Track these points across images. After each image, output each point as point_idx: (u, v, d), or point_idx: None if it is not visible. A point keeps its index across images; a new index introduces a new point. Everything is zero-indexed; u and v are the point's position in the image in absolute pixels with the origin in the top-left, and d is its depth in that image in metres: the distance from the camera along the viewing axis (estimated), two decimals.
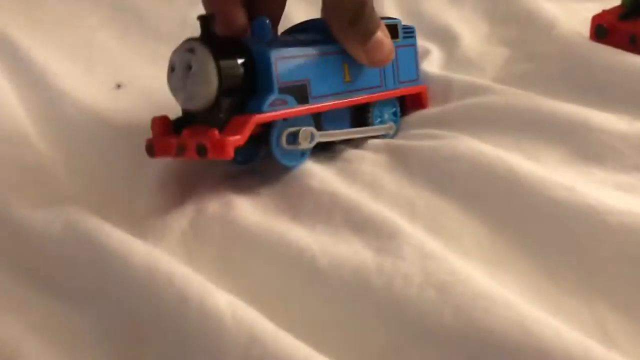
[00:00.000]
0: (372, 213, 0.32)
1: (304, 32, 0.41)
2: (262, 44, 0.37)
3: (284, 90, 0.37)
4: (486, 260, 0.31)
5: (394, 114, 0.44)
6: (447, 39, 0.56)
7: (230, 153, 0.33)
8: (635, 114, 0.40)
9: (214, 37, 0.35)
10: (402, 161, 0.39)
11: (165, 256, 0.28)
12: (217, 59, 0.34)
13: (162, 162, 0.39)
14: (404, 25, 0.44)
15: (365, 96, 0.42)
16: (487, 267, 0.31)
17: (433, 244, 0.30)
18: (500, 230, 0.33)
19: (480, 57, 0.52)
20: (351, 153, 0.40)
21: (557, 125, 0.40)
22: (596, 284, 0.29)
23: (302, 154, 0.38)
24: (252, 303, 0.28)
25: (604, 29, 0.48)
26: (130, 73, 0.52)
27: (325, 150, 0.41)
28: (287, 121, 0.37)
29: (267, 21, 0.38)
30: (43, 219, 0.31)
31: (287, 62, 0.37)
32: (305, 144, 0.38)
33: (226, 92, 0.35)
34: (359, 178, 0.37)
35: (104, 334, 0.27)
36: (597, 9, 0.50)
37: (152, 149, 0.36)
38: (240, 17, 0.39)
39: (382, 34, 0.39)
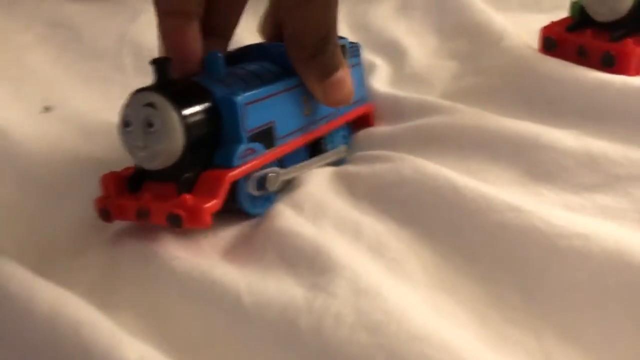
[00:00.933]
0: (307, 245, 0.30)
1: (254, 60, 0.38)
2: (221, 84, 0.33)
3: (251, 138, 0.33)
4: (431, 286, 0.30)
5: (344, 136, 0.43)
6: (395, 53, 0.54)
7: (208, 222, 0.30)
8: (583, 129, 0.39)
9: (172, 85, 0.32)
10: (347, 187, 0.37)
11: (74, 301, 0.25)
12: (180, 112, 0.31)
13: (85, 193, 0.36)
14: (350, 43, 0.42)
15: (323, 126, 0.39)
16: (432, 293, 0.29)
17: (370, 276, 0.28)
18: (445, 254, 0.31)
19: (428, 72, 0.51)
20: (296, 182, 0.37)
21: (506, 144, 0.38)
22: (544, 313, 0.28)
23: (267, 199, 0.36)
24: (172, 347, 0.25)
25: (552, 41, 0.47)
26: (62, 94, 0.50)
27: None
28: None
29: (220, 55, 0.35)
30: None
31: (253, 106, 0.34)
32: (273, 188, 0.35)
33: (192, 147, 0.31)
34: (303, 207, 0.34)
35: None
36: (546, 20, 0.49)
37: (107, 213, 0.32)
38: (198, 52, 0.36)
39: (343, 73, 0.36)
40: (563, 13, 0.49)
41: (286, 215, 0.33)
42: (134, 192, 0.32)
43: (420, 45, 0.55)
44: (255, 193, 0.34)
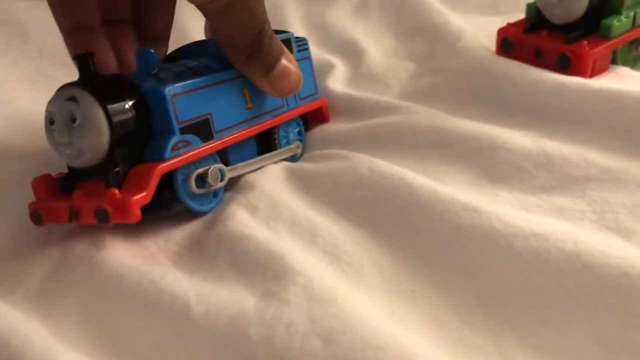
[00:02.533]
0: (260, 250, 0.29)
1: (194, 57, 0.36)
2: (152, 79, 0.32)
3: (185, 129, 0.32)
4: (387, 290, 0.29)
5: (299, 132, 0.42)
6: (353, 53, 0.53)
7: (137, 215, 0.29)
8: (540, 130, 0.39)
9: (96, 79, 0.31)
10: (303, 186, 0.36)
11: (6, 313, 0.24)
12: (104, 105, 0.29)
13: (27, 195, 0.34)
14: (296, 38, 0.41)
15: (269, 120, 0.38)
16: (388, 298, 0.28)
17: (324, 282, 0.27)
18: (402, 257, 0.30)
19: (386, 72, 0.50)
20: (250, 181, 0.36)
21: (463, 145, 0.38)
22: (502, 316, 0.27)
23: (215, 195, 0.34)
24: (118, 358, 0.24)
25: (509, 43, 0.47)
26: (6, 93, 0.47)
27: None
28: (192, 162, 0.33)
29: (152, 51, 0.33)
30: None
31: (185, 97, 0.32)
32: (216, 184, 0.34)
33: (119, 142, 0.30)
34: (257, 207, 0.33)
35: None
36: (503, 22, 0.49)
37: (38, 216, 0.31)
38: (112, 62, 0.35)
39: (286, 62, 0.36)
40: (520, 15, 0.49)
41: (239, 218, 0.32)
42: (66, 193, 0.31)
43: (377, 46, 0.54)
44: (197, 191, 0.33)
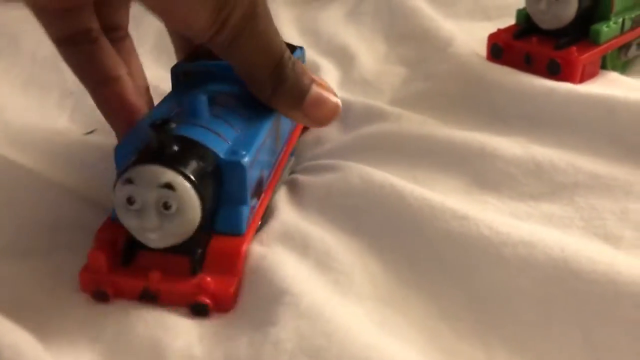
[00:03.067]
0: (253, 279, 0.29)
1: (218, 80, 0.34)
2: (219, 139, 0.30)
3: (252, 194, 0.31)
4: (378, 299, 0.29)
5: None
6: (344, 58, 0.54)
7: (233, 306, 0.28)
8: (529, 136, 0.39)
9: (183, 158, 0.28)
10: (296, 197, 0.36)
11: (15, 329, 0.24)
12: (199, 192, 0.27)
13: (19, 203, 0.34)
14: (291, 45, 0.41)
15: (286, 147, 0.38)
16: (379, 307, 0.28)
17: (313, 297, 0.27)
18: (392, 265, 0.30)
19: (377, 77, 0.51)
20: None
21: (453, 152, 0.38)
22: (491, 323, 0.27)
23: None
24: None
25: (499, 48, 0.47)
26: None
27: None
28: None
29: (204, 98, 0.31)
30: None
31: (253, 164, 0.30)
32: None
33: (205, 220, 0.28)
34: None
35: None
36: (493, 27, 0.49)
37: (104, 294, 0.28)
38: (109, 69, 0.34)
39: (318, 89, 0.32)
40: (510, 20, 0.49)
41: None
42: (128, 264, 0.29)
43: (369, 51, 0.54)
44: None
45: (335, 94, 0.33)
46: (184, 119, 0.30)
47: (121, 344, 0.26)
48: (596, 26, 0.45)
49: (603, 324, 0.26)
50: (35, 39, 0.54)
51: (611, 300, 0.26)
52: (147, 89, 0.37)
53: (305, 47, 0.43)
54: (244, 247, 0.29)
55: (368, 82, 0.50)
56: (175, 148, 0.28)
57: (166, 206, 0.27)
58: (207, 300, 0.27)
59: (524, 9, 0.47)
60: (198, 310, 0.28)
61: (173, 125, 0.27)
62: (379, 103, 0.45)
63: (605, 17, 0.45)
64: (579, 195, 0.34)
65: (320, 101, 0.32)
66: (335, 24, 0.60)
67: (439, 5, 0.59)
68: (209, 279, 0.28)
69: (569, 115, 0.40)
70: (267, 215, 0.34)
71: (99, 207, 0.35)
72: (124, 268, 0.29)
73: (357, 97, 0.46)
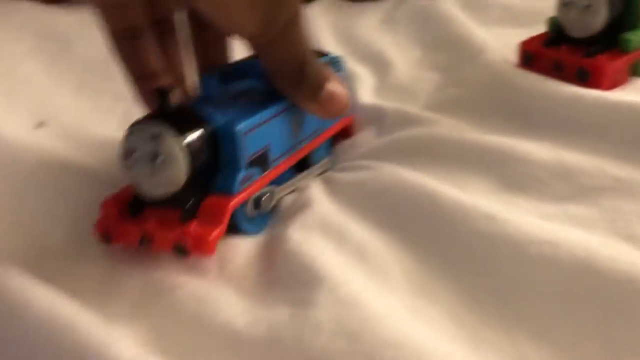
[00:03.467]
0: (295, 259, 0.31)
1: (246, 76, 0.38)
2: (221, 112, 0.34)
3: (249, 164, 0.34)
4: (410, 290, 0.31)
5: (326, 148, 0.44)
6: (379, 64, 0.56)
7: (213, 251, 0.31)
8: (557, 141, 0.40)
9: (174, 115, 0.32)
10: (332, 194, 0.38)
11: (70, 304, 0.27)
12: (184, 143, 0.31)
13: (79, 203, 0.37)
14: (332, 57, 0.44)
15: (311, 143, 0.41)
16: (411, 296, 0.31)
17: (350, 286, 0.29)
18: (424, 260, 0.33)
19: (412, 83, 0.53)
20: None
21: (483, 156, 0.40)
22: (516, 315, 0.29)
23: (266, 216, 0.37)
24: (161, 356, 0.26)
25: (530, 56, 0.49)
26: (53, 106, 0.51)
27: None
28: None
29: (214, 77, 0.36)
30: None
31: (251, 134, 0.34)
32: (269, 206, 0.36)
33: (194, 175, 0.32)
34: (293, 212, 0.36)
35: None
36: (525, 34, 0.51)
37: (108, 237, 0.33)
38: (155, 64, 0.38)
39: (332, 85, 0.37)
40: (540, 27, 0.51)
41: (277, 228, 0.34)
42: (135, 216, 0.33)
43: (404, 57, 0.56)
44: (252, 214, 0.35)
45: (345, 89, 0.38)
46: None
47: (167, 321, 0.29)
48: (625, 35, 0.46)
49: (623, 321, 0.27)
50: (86, 43, 0.58)
51: (632, 299, 0.28)
52: (185, 81, 0.41)
53: (341, 53, 0.45)
54: (232, 203, 0.32)
55: (402, 87, 0.52)
56: (173, 111, 0.32)
57: (154, 156, 0.31)
58: (187, 242, 0.31)
59: (555, 16, 0.49)
60: (179, 251, 0.31)
61: (171, 90, 0.32)
62: (414, 108, 0.47)
63: (634, 26, 0.47)
64: (604, 198, 0.36)
65: (334, 95, 0.37)
66: (371, 30, 0.62)
67: (472, 12, 0.61)
68: (193, 225, 0.31)
69: (597, 121, 0.42)
70: (300, 204, 0.37)
71: None
72: (130, 218, 0.33)
73: (392, 103, 0.48)
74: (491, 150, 0.40)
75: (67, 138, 0.45)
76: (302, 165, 0.41)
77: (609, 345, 0.27)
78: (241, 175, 0.33)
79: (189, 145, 0.32)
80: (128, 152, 0.32)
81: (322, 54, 0.43)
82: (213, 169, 0.34)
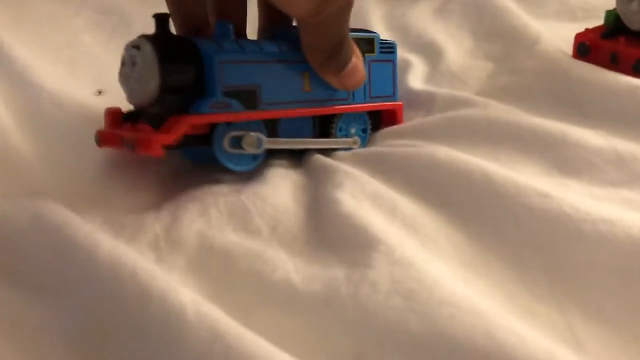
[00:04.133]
0: (348, 224, 0.32)
1: (272, 40, 0.40)
2: (212, 45, 0.37)
3: (228, 93, 0.36)
4: (461, 262, 0.31)
5: (363, 130, 0.44)
6: (432, 53, 0.56)
7: (158, 151, 0.33)
8: (611, 130, 0.40)
9: (166, 36, 0.35)
10: (380, 167, 0.39)
11: (131, 252, 0.27)
12: (160, 57, 0.34)
13: (141, 163, 0.38)
14: (384, 40, 0.44)
15: (329, 108, 0.41)
16: (462, 269, 0.31)
17: (404, 249, 0.29)
18: (475, 234, 0.33)
19: (463, 71, 0.53)
20: (333, 164, 0.39)
21: (536, 138, 0.40)
22: (568, 290, 0.29)
23: (254, 159, 0.38)
24: (225, 309, 0.27)
25: (586, 47, 0.48)
26: (112, 78, 0.52)
27: (300, 158, 0.41)
28: (231, 125, 0.37)
29: (230, 25, 0.38)
30: (11, 209, 0.30)
31: (233, 66, 0.37)
32: (251, 149, 0.37)
33: (168, 91, 0.35)
34: (343, 184, 0.36)
35: (65, 328, 0.26)
36: (580, 29, 0.50)
37: (98, 140, 0.37)
38: (200, 12, 0.40)
39: (355, 61, 0.40)
40: (596, 22, 0.50)
41: (328, 196, 0.35)
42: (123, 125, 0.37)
43: (456, 46, 0.57)
44: (229, 150, 0.37)
45: (363, 67, 0.41)
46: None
47: (223, 277, 0.30)
48: None
49: None
50: (145, 19, 0.59)
51: None
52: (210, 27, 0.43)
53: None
54: (191, 117, 0.35)
55: (454, 75, 0.52)
56: (166, 34, 0.35)
57: (133, 63, 0.35)
58: (136, 139, 0.34)
59: (613, 9, 0.48)
60: (129, 146, 0.34)
61: (169, 16, 0.36)
62: (466, 93, 0.47)
63: None
64: None
65: (354, 71, 0.40)
66: (424, 21, 0.62)
67: (527, 5, 0.61)
68: (147, 128, 0.35)
69: None
70: (342, 173, 0.37)
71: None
72: (122, 128, 0.37)
73: (442, 89, 0.49)
74: (544, 133, 0.40)
75: (125, 106, 0.46)
76: (324, 134, 0.42)
77: None
78: (213, 99, 0.35)
79: (165, 60, 0.34)
80: (122, 62, 0.36)
81: (369, 32, 0.44)
82: (196, 96, 0.36)
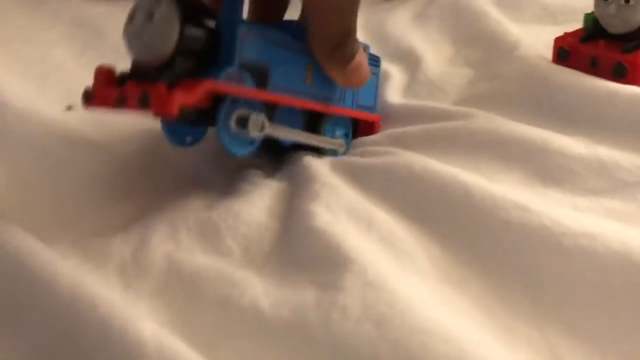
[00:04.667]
0: (321, 241, 0.31)
1: (278, 29, 0.39)
2: (232, 15, 0.35)
3: (244, 66, 0.34)
4: (438, 278, 0.30)
5: (346, 135, 0.43)
6: (410, 62, 0.55)
7: (174, 109, 0.30)
8: (593, 137, 0.39)
9: None
10: (357, 179, 0.38)
11: (92, 281, 0.26)
12: (182, 14, 0.32)
13: (112, 176, 0.37)
14: (371, 54, 0.43)
15: (322, 104, 0.40)
16: (439, 285, 0.30)
17: (377, 269, 0.28)
18: (453, 249, 0.32)
19: (443, 79, 0.52)
20: (310, 173, 0.38)
21: (516, 147, 0.39)
22: (549, 307, 0.28)
23: (251, 143, 0.36)
24: (189, 339, 0.26)
25: (565, 52, 0.48)
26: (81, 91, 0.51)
27: (276, 161, 0.40)
28: (239, 102, 0.34)
29: (238, 3, 0.36)
30: None
31: (252, 40, 0.35)
32: (255, 132, 0.35)
33: (184, 52, 0.32)
34: (320, 195, 0.35)
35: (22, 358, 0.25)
36: (560, 32, 0.50)
37: (89, 97, 0.34)
38: None
39: (360, 57, 0.39)
40: (576, 25, 0.50)
41: (303, 210, 0.34)
42: (120, 85, 0.34)
43: (435, 53, 0.56)
44: (234, 129, 0.34)
45: (367, 64, 0.40)
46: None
47: (191, 306, 0.28)
48: None
49: None
50: (119, 34, 0.58)
51: None
52: None
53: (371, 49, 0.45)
54: (209, 82, 0.32)
55: (433, 83, 0.51)
56: None
57: (151, 14, 0.32)
58: (152, 93, 0.30)
59: (592, 13, 0.48)
60: (142, 101, 0.31)
61: None
62: (445, 104, 0.46)
63: None
64: None
65: (359, 68, 0.39)
66: (402, 27, 0.61)
67: (506, 9, 0.60)
68: (163, 83, 0.31)
69: (633, 118, 0.41)
70: (319, 183, 0.36)
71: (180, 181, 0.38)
72: (115, 86, 0.34)
73: (421, 101, 0.47)
74: (524, 141, 0.39)
75: (95, 122, 0.45)
76: (313, 130, 0.41)
77: None
78: (231, 69, 0.33)
79: (186, 19, 0.32)
80: (131, 15, 0.33)
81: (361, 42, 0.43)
82: (209, 63, 0.34)
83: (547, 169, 0.37)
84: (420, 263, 0.31)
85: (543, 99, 0.44)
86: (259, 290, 0.28)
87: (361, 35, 0.61)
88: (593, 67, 0.46)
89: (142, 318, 0.24)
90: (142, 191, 0.39)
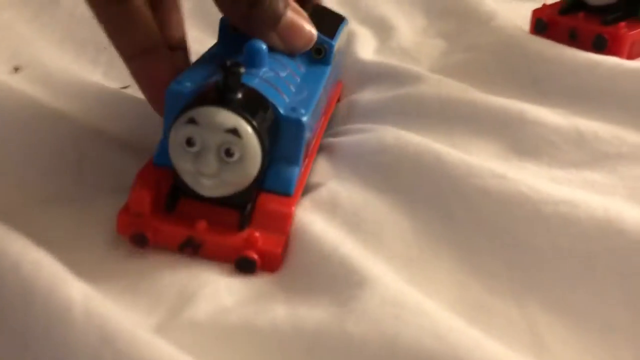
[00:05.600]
0: None
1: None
2: (279, 94, 0.29)
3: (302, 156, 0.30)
4: (408, 257, 0.28)
5: None
6: (382, 30, 0.52)
7: (279, 267, 0.27)
8: (571, 108, 0.38)
9: (248, 105, 0.26)
10: (328, 157, 0.35)
11: (17, 241, 0.23)
12: (263, 143, 0.26)
13: (58, 150, 0.34)
14: (336, 12, 0.40)
15: (327, 114, 0.37)
16: (409, 264, 0.27)
17: (344, 248, 0.26)
18: (425, 221, 0.29)
19: (415, 48, 0.50)
20: None
21: (492, 118, 0.37)
22: (528, 281, 0.26)
23: None
24: None
25: (543, 23, 0.46)
26: (33, 54, 0.47)
27: None
28: None
29: (264, 47, 0.30)
30: None
31: (310, 122, 0.29)
32: None
33: (261, 173, 0.27)
34: None
35: None
36: (538, 5, 0.48)
37: (144, 240, 0.27)
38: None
39: (294, 15, 0.32)
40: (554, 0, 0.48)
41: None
42: (171, 210, 0.28)
43: (408, 24, 0.53)
44: None
45: (310, 23, 0.33)
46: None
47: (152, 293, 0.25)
48: None
49: None
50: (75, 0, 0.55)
51: None
52: (185, 46, 0.36)
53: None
54: (293, 209, 0.28)
55: (405, 51, 0.49)
56: (240, 95, 0.26)
57: (229, 153, 0.25)
58: (255, 256, 0.26)
59: None
60: (244, 266, 0.26)
61: (242, 69, 0.25)
62: (417, 67, 0.44)
63: None
64: (622, 165, 0.33)
65: (296, 27, 0.32)
66: None
67: None
68: (257, 234, 0.26)
69: (613, 89, 0.39)
70: None
71: (130, 151, 0.35)
72: (167, 214, 0.27)
73: (393, 61, 0.45)
74: (499, 112, 0.37)
75: (47, 84, 0.41)
76: None
77: (630, 309, 0.24)
78: (298, 171, 0.29)
79: (264, 140, 0.26)
80: (187, 141, 0.26)
81: (329, 12, 0.40)
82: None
83: (524, 141, 0.35)
84: (388, 243, 0.28)
85: (519, 70, 0.42)
86: (221, 286, 0.25)
87: (332, 2, 0.58)
88: (572, 40, 0.44)
89: (70, 279, 0.21)
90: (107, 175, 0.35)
